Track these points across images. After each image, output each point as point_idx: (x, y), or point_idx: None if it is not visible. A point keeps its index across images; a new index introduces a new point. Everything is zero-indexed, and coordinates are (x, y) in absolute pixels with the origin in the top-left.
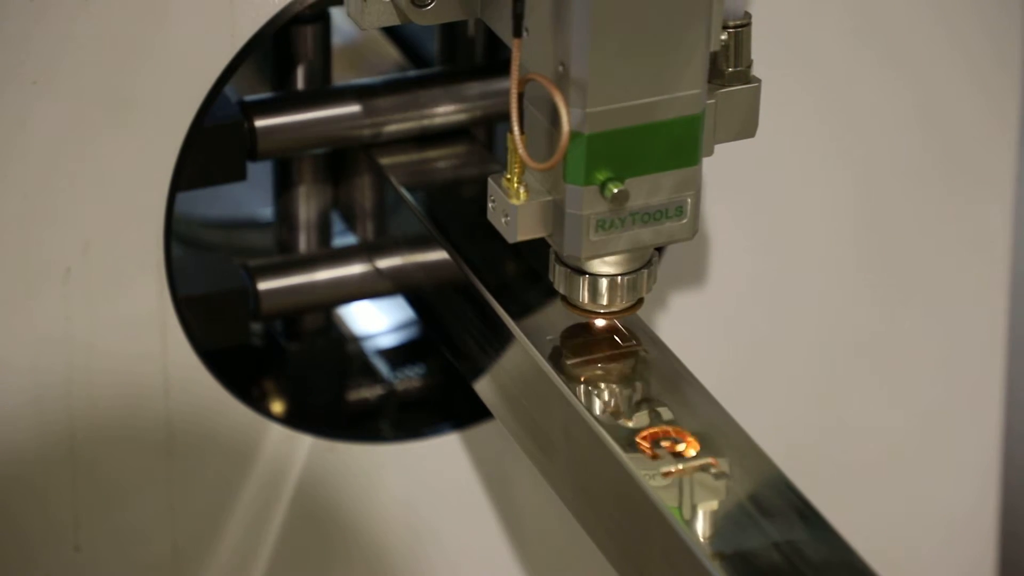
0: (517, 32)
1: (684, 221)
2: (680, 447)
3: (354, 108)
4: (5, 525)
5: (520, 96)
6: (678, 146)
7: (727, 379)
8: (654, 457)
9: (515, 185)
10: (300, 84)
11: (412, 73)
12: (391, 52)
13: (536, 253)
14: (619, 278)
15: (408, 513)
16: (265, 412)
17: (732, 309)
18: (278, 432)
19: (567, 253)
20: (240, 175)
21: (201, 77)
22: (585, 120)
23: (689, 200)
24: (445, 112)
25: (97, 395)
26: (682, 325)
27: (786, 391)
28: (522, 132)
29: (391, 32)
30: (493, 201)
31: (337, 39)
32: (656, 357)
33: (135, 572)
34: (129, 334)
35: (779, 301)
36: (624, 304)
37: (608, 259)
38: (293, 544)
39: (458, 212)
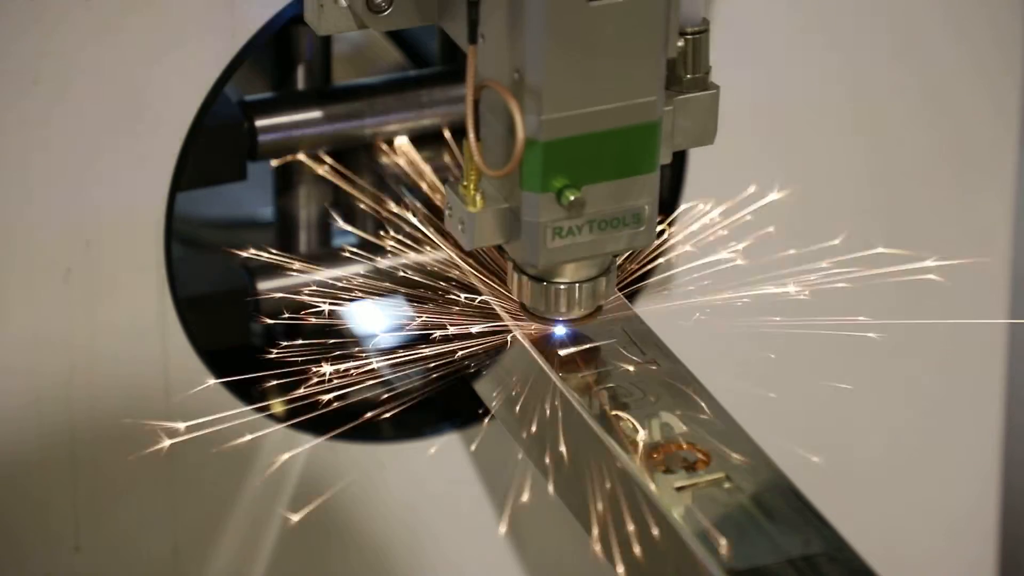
0: (472, 39)
1: (642, 228)
2: (692, 460)
3: (354, 108)
4: (5, 525)
5: (476, 103)
6: (635, 153)
7: (723, 379)
8: (667, 471)
9: (472, 192)
10: (300, 84)
11: (412, 73)
12: (391, 52)
13: None
14: (577, 285)
15: (408, 513)
16: (265, 412)
17: (730, 309)
18: (278, 432)
19: (524, 261)
20: (240, 175)
21: (201, 77)
22: (541, 127)
23: (647, 207)
24: (445, 112)
25: (97, 395)
26: (680, 325)
27: (785, 391)
28: (478, 139)
29: (392, 32)
30: (450, 209)
31: (337, 39)
32: (665, 366)
33: (135, 572)
34: (129, 334)
35: (778, 300)
36: (583, 311)
37: (566, 267)
38: (293, 544)
39: None
